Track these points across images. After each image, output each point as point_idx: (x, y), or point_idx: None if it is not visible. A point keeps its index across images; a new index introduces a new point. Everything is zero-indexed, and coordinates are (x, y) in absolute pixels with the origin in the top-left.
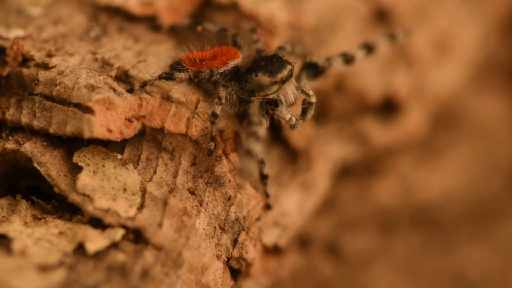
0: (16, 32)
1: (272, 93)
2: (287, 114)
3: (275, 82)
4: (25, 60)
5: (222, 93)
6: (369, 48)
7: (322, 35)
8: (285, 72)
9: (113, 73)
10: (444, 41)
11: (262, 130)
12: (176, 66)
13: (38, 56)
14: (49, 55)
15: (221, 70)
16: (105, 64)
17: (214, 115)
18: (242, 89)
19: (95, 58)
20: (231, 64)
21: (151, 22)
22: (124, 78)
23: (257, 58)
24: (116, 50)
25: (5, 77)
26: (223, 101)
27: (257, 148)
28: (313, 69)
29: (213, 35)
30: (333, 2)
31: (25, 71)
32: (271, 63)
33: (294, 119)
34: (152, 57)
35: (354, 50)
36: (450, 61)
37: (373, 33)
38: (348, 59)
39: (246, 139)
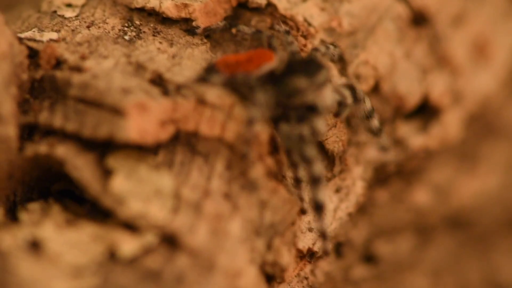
0: (49, 35)
1: (309, 98)
2: (323, 126)
3: (312, 86)
4: (59, 63)
5: (258, 97)
6: None
7: (358, 38)
8: (321, 76)
9: (148, 76)
10: (481, 45)
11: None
12: (211, 69)
13: (72, 59)
14: (83, 58)
15: (256, 74)
16: (139, 67)
17: (250, 119)
18: (278, 93)
19: (129, 61)
20: (266, 67)
21: (186, 25)
22: (158, 81)
23: (293, 61)
24: (150, 53)
25: (38, 80)
26: (259, 105)
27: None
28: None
29: (248, 38)
30: (370, 4)
31: (58, 74)
32: (307, 66)
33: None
34: (187, 60)
35: None
36: (486, 65)
37: (411, 36)
38: None
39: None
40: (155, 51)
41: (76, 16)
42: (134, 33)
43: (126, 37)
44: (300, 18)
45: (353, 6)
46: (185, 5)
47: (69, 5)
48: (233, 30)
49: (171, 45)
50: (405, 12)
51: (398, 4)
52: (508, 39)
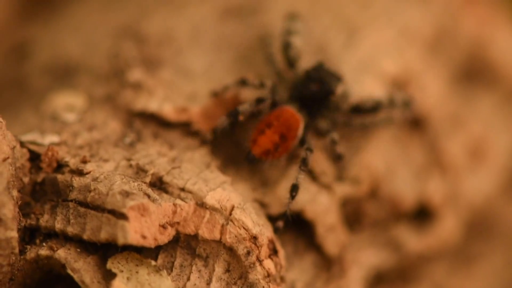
0: (51, 138)
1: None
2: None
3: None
4: (60, 166)
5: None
6: None
7: (356, 142)
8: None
9: (148, 180)
10: (478, 147)
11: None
12: (252, 159)
13: (73, 162)
14: (84, 161)
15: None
16: (140, 170)
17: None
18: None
19: (130, 164)
20: (301, 129)
21: (186, 128)
22: (158, 184)
23: (304, 82)
24: (150, 157)
25: (40, 183)
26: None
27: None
28: None
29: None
30: None
31: (59, 177)
32: (326, 75)
33: None
34: (187, 163)
35: None
36: (484, 168)
37: (408, 139)
38: None
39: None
40: (155, 154)
41: (77, 119)
42: (134, 137)
43: (127, 141)
44: None
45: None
46: (185, 109)
47: (70, 108)
48: (240, 118)
49: (171, 148)
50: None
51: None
52: (504, 141)
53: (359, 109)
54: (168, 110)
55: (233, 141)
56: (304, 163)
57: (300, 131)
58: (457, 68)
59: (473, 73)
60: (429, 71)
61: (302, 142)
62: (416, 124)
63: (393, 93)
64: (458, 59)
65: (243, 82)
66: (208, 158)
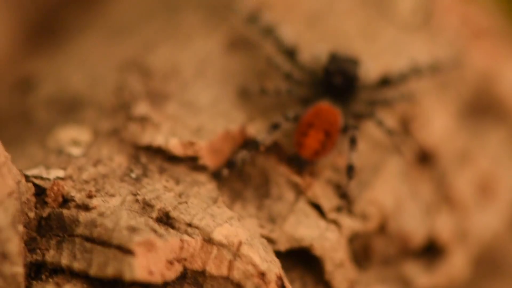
0: (56, 173)
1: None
2: None
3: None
4: (65, 201)
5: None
6: None
7: (364, 177)
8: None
9: (154, 215)
10: (486, 183)
11: None
12: (301, 162)
13: (79, 197)
14: (90, 196)
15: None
16: (146, 206)
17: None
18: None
19: (136, 199)
20: (340, 120)
21: (192, 163)
22: (165, 219)
23: (326, 78)
24: (157, 192)
25: (45, 218)
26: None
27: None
28: None
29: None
30: (376, 142)
31: (65, 212)
32: (343, 64)
33: None
34: (194, 198)
35: None
36: (492, 204)
37: (416, 175)
38: None
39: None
40: (162, 189)
41: (83, 153)
42: (140, 171)
43: (133, 175)
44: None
45: (359, 143)
46: (191, 143)
47: (75, 142)
48: (261, 148)
49: (178, 183)
50: (410, 150)
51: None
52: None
53: (387, 81)
54: (174, 144)
55: (240, 176)
56: (354, 141)
57: (341, 123)
58: (465, 103)
59: (481, 107)
60: (436, 106)
61: (345, 129)
62: (424, 159)
63: (419, 62)
64: (466, 93)
65: (262, 91)
66: (215, 193)
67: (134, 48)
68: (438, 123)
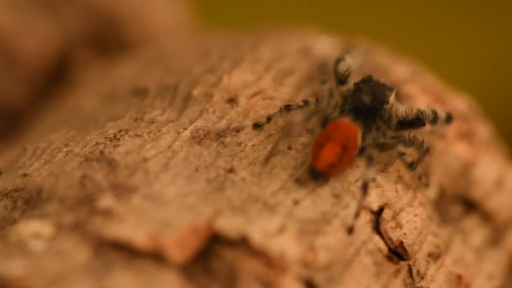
0: (16, 268)
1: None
2: None
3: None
4: None
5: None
6: None
7: (334, 271)
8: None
9: None
10: (459, 282)
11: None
12: (317, 175)
13: None
14: None
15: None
16: None
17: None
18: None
19: None
20: (359, 138)
21: (158, 258)
22: None
23: (354, 95)
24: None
25: None
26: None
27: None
28: None
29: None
30: (347, 237)
31: None
32: (376, 86)
33: None
34: None
35: None
36: None
37: (388, 271)
38: None
39: None
40: (126, 286)
41: (45, 247)
42: (104, 266)
43: (96, 269)
44: (275, 252)
45: (329, 238)
46: (157, 237)
47: (37, 236)
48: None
49: (142, 278)
50: (383, 246)
51: (376, 237)
52: (481, 273)
53: (404, 122)
54: (139, 238)
55: (206, 271)
56: (370, 159)
57: (359, 140)
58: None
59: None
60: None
61: (361, 150)
62: (397, 255)
63: (435, 108)
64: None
65: (287, 108)
66: None
67: (98, 140)
68: (410, 221)
